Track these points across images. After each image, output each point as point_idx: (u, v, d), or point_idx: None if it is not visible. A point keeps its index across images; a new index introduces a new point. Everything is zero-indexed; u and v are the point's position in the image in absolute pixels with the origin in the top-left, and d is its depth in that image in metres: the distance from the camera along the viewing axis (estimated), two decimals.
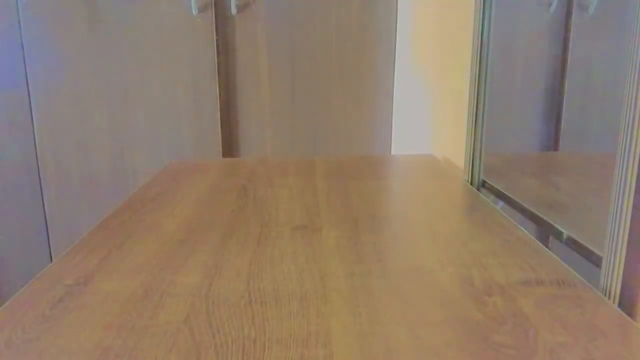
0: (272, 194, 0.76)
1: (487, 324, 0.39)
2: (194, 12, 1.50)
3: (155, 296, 0.44)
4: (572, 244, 0.59)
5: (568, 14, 1.03)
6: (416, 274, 0.48)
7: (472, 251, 0.53)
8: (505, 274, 0.47)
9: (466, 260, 0.51)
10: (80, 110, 1.52)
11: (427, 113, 1.30)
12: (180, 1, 1.50)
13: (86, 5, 1.47)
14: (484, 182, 0.86)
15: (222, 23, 1.54)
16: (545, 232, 0.69)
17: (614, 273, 0.45)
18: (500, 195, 0.82)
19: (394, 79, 1.63)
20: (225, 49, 1.55)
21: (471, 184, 0.87)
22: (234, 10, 1.52)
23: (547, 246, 0.55)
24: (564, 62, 1.06)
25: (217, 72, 1.54)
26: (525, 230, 0.59)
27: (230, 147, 1.62)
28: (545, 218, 0.68)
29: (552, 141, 1.13)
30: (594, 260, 0.53)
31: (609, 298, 0.45)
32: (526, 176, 0.97)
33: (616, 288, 0.45)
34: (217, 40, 1.52)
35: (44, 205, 1.56)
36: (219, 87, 1.55)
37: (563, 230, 0.62)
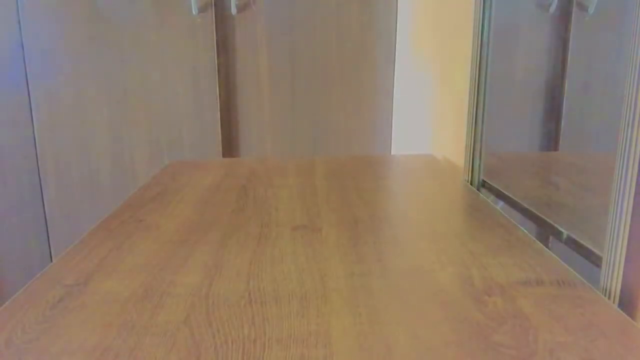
0: (272, 194, 0.76)
1: (487, 324, 0.39)
2: (194, 12, 1.50)
3: (155, 296, 0.44)
4: (572, 244, 0.59)
5: (568, 14, 1.03)
6: (416, 274, 0.48)
7: (472, 251, 0.53)
8: (505, 274, 0.47)
9: (466, 260, 0.51)
10: (80, 110, 1.52)
11: (427, 113, 1.30)
12: (180, 1, 1.50)
13: (86, 5, 1.47)
14: (484, 182, 0.86)
15: (222, 23, 1.54)
16: (545, 232, 0.69)
17: (614, 273, 0.45)
18: (500, 195, 0.82)
19: (394, 79, 1.63)
20: (225, 49, 1.55)
21: (471, 184, 0.87)
22: (234, 10, 1.52)
23: (547, 246, 0.55)
24: (564, 62, 1.05)
25: (217, 72, 1.54)
26: (525, 230, 0.59)
27: (230, 147, 1.62)
28: (545, 218, 0.68)
29: (552, 141, 1.13)
30: (594, 260, 0.53)
31: (609, 298, 0.45)
32: (526, 176, 0.97)
33: (616, 288, 0.45)
34: (217, 40, 1.52)
35: (44, 205, 1.56)
36: (219, 87, 1.55)
37: (563, 230, 0.62)
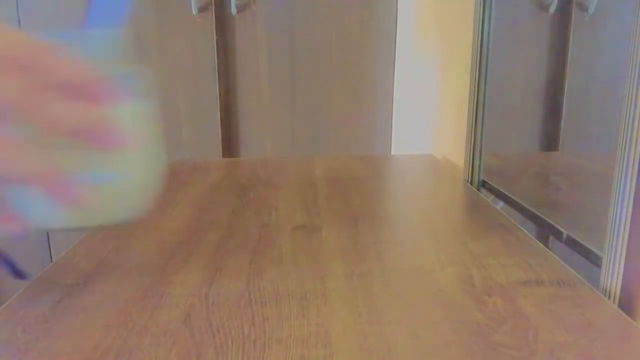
0: (272, 194, 0.76)
1: (487, 324, 0.39)
2: (194, 12, 1.50)
3: (155, 296, 0.44)
4: (572, 244, 0.59)
5: (568, 14, 1.03)
6: (416, 274, 0.48)
7: (472, 251, 0.53)
8: (505, 274, 0.47)
9: (466, 260, 0.51)
10: None
11: (427, 113, 1.30)
12: (180, 1, 1.50)
13: (86, 5, 1.47)
14: (484, 182, 0.86)
15: (222, 23, 1.54)
16: (545, 232, 0.69)
17: (614, 273, 0.45)
18: (500, 195, 0.82)
19: (394, 79, 1.63)
20: (225, 49, 1.55)
21: (471, 184, 0.87)
22: (234, 11, 1.52)
23: (547, 246, 0.55)
24: (564, 62, 1.05)
25: (217, 72, 1.54)
26: (525, 230, 0.59)
27: (230, 147, 1.62)
28: (545, 218, 0.68)
29: (552, 141, 1.13)
30: (594, 260, 0.53)
31: (609, 298, 0.45)
32: (526, 176, 0.97)
33: (616, 288, 0.45)
34: (217, 40, 1.52)
35: None
36: (219, 87, 1.55)
37: (563, 230, 0.62)
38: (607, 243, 0.46)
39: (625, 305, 0.43)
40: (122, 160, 0.38)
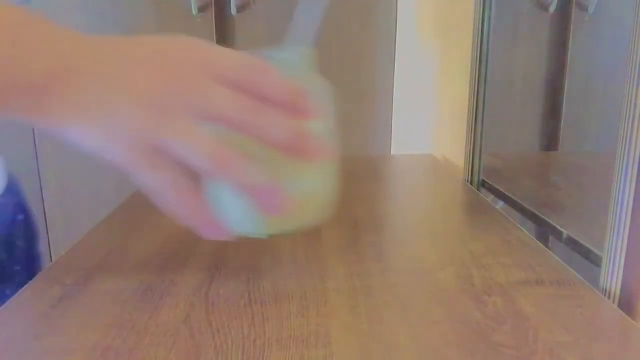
0: None
1: (487, 324, 0.39)
2: (194, 12, 1.50)
3: (155, 296, 0.44)
4: (572, 244, 0.59)
5: (568, 14, 1.03)
6: (416, 274, 0.48)
7: (472, 251, 0.53)
8: (505, 274, 0.47)
9: (466, 260, 0.51)
10: None
11: (427, 113, 1.30)
12: (180, 1, 1.50)
13: (86, 5, 1.47)
14: (484, 182, 0.86)
15: (222, 23, 1.54)
16: (545, 232, 0.69)
17: (614, 273, 0.45)
18: (500, 195, 0.82)
19: (394, 79, 1.63)
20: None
21: (471, 184, 0.87)
22: (234, 11, 1.52)
23: (547, 246, 0.55)
24: (564, 62, 1.05)
25: None
26: (525, 230, 0.59)
27: None
28: (545, 218, 0.68)
29: (552, 141, 1.13)
30: (594, 260, 0.53)
31: (609, 298, 0.45)
32: (526, 176, 0.97)
33: (616, 288, 0.45)
34: (217, 40, 1.52)
35: (44, 205, 1.56)
36: None
37: (563, 230, 0.62)
38: (607, 243, 0.46)
39: (625, 305, 0.43)
40: (315, 170, 0.41)
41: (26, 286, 0.47)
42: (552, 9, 1.00)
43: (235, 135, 0.35)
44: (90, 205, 1.55)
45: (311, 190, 0.42)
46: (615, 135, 0.44)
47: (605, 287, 0.46)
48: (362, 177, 0.87)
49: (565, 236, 0.61)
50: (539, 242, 0.56)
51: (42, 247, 0.66)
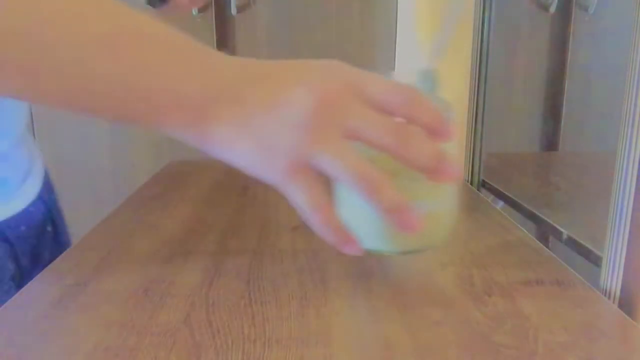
0: (272, 194, 0.76)
1: (487, 324, 0.39)
2: (194, 12, 1.50)
3: (155, 296, 0.44)
4: (572, 243, 0.59)
5: (568, 14, 1.03)
6: (416, 274, 0.48)
7: (472, 251, 0.53)
8: (505, 274, 0.47)
9: (466, 260, 0.51)
10: None
11: None
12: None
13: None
14: (484, 182, 0.86)
15: (222, 23, 1.54)
16: (545, 232, 0.69)
17: (614, 273, 0.45)
18: (500, 195, 0.82)
19: (393, 79, 1.62)
20: (225, 49, 1.55)
21: (471, 184, 0.87)
22: (234, 11, 1.52)
23: (547, 246, 0.55)
24: (564, 62, 1.05)
25: None
26: (525, 230, 0.59)
27: None
28: (545, 218, 0.68)
29: (552, 141, 1.12)
30: (594, 260, 0.53)
31: (609, 298, 0.45)
32: (526, 176, 0.96)
33: (616, 288, 0.45)
34: (217, 40, 1.52)
35: None
36: None
37: (563, 230, 0.62)
38: (607, 243, 0.46)
39: (625, 305, 0.43)
40: (446, 191, 0.44)
41: (26, 286, 0.47)
42: (552, 9, 1.00)
43: (374, 152, 0.37)
44: (90, 205, 1.55)
45: (442, 210, 0.44)
46: (615, 135, 0.44)
47: (605, 287, 0.46)
48: None
49: (565, 236, 0.61)
50: (539, 242, 0.56)
51: None
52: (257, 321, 0.40)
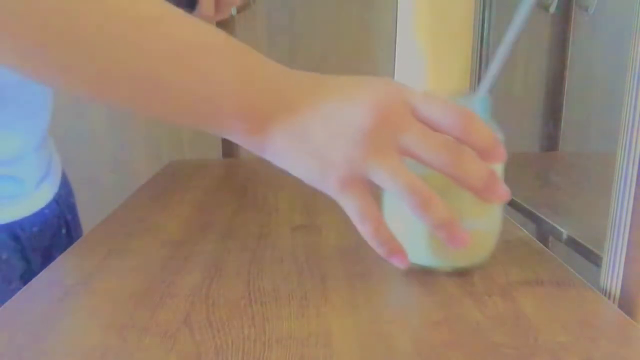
0: (272, 194, 0.76)
1: (487, 324, 0.39)
2: (233, 12, 1.50)
3: (155, 296, 0.44)
4: (572, 244, 0.60)
5: (568, 14, 1.03)
6: (416, 274, 0.48)
7: None
8: (505, 274, 0.47)
9: None
10: (80, 109, 1.52)
11: None
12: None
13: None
14: None
15: (222, 23, 1.54)
16: (545, 232, 0.69)
17: (614, 273, 0.45)
18: None
19: (394, 79, 1.63)
20: None
21: None
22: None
23: (547, 246, 0.55)
24: (564, 62, 1.05)
25: None
26: (525, 230, 0.59)
27: (230, 147, 1.62)
28: (545, 218, 0.68)
29: (552, 141, 1.12)
30: (594, 260, 0.53)
31: (609, 298, 0.45)
32: (526, 176, 0.96)
33: (616, 288, 0.45)
34: None
35: None
36: None
37: (563, 230, 0.62)
38: (607, 243, 0.46)
39: (625, 305, 0.43)
40: (492, 210, 0.46)
41: (26, 286, 0.47)
42: (552, 9, 1.00)
43: (425, 170, 0.39)
44: (90, 205, 1.55)
45: (488, 228, 0.46)
46: (615, 135, 0.44)
47: (605, 287, 0.46)
48: None
49: (565, 236, 0.62)
50: (539, 242, 0.56)
51: None
52: (257, 321, 0.40)
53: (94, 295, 0.45)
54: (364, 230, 0.41)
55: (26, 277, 0.58)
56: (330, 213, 0.66)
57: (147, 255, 0.53)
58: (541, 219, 0.68)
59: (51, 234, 0.65)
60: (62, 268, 0.52)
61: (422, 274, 0.48)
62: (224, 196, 0.76)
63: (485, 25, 0.85)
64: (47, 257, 0.61)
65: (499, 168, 0.45)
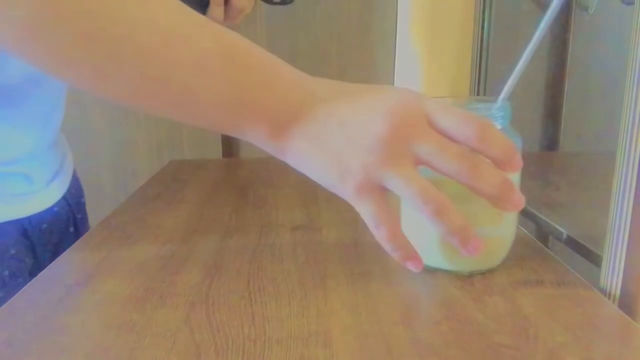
0: (272, 194, 0.76)
1: (487, 324, 0.39)
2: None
3: (155, 296, 0.44)
4: (572, 243, 0.59)
5: (568, 14, 1.03)
6: (416, 274, 0.48)
7: None
8: (505, 274, 0.47)
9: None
10: (80, 110, 1.52)
11: None
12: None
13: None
14: None
15: (222, 23, 1.54)
16: (545, 232, 0.69)
17: (614, 273, 0.45)
18: None
19: (394, 79, 1.63)
20: None
21: None
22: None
23: (547, 246, 0.55)
24: (564, 62, 1.05)
25: None
26: (526, 231, 0.59)
27: (230, 147, 1.62)
28: (545, 218, 0.68)
29: (552, 141, 1.12)
30: (594, 260, 0.53)
31: (609, 298, 0.45)
32: (525, 176, 0.96)
33: (616, 288, 0.45)
34: None
35: None
36: None
37: (563, 230, 0.62)
38: (607, 243, 0.46)
39: (625, 305, 0.43)
40: (507, 217, 0.46)
41: (26, 286, 0.47)
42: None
43: (440, 177, 0.39)
44: (90, 205, 1.55)
45: (502, 235, 0.47)
46: (615, 135, 0.44)
47: (605, 287, 0.46)
48: None
49: (565, 236, 0.62)
50: (538, 242, 0.56)
51: None
52: (257, 321, 0.40)
53: (94, 295, 0.45)
54: (379, 235, 0.41)
55: (34, 273, 0.58)
56: (330, 213, 0.66)
57: (147, 255, 0.53)
58: (541, 219, 0.68)
59: (59, 232, 0.65)
60: (63, 268, 0.52)
61: (422, 274, 0.48)
62: (224, 196, 0.76)
63: (485, 25, 0.85)
64: (56, 254, 0.62)
65: (515, 175, 0.45)
